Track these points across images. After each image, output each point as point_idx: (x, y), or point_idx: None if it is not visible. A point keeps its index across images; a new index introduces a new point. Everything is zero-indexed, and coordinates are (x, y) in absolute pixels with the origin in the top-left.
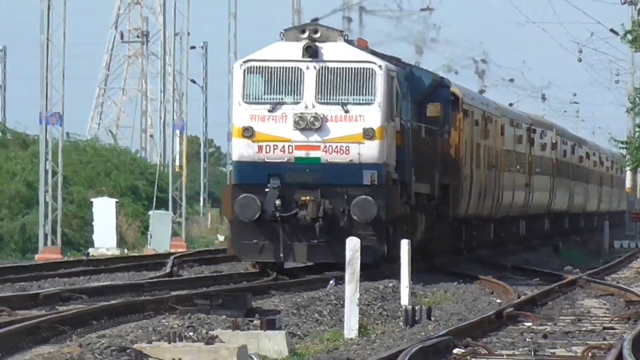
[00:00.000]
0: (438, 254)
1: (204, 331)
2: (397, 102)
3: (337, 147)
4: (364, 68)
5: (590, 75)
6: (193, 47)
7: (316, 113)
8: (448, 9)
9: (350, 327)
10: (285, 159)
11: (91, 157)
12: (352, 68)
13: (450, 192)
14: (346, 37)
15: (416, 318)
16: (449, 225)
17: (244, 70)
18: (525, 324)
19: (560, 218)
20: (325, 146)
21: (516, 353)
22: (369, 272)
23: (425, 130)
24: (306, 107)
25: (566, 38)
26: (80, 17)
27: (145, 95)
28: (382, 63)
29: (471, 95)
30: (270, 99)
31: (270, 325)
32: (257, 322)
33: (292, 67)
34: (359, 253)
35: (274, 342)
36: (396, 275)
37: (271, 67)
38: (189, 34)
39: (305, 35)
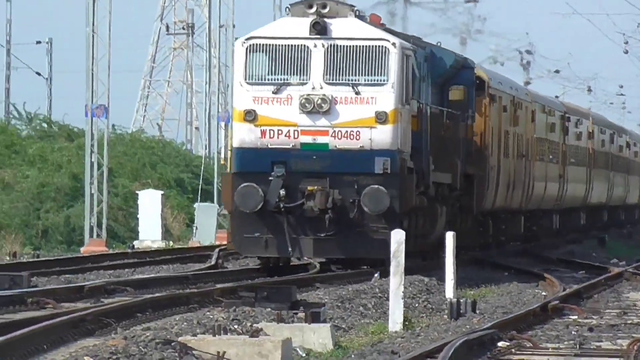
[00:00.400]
0: (463, 249)
1: (248, 324)
2: (413, 83)
3: (346, 132)
4: (376, 46)
5: (636, 66)
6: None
7: (324, 95)
8: (493, 1)
9: (395, 320)
10: (291, 145)
11: (137, 150)
12: (363, 46)
13: (474, 182)
14: (358, 13)
15: (461, 311)
16: (473, 218)
17: (247, 48)
18: (570, 317)
19: (598, 211)
20: (334, 131)
21: (561, 346)
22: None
23: (447, 115)
24: (313, 88)
25: (612, 29)
26: (126, 9)
27: (190, 87)
28: (396, 40)
29: (498, 78)
30: (274, 80)
31: (315, 318)
32: (301, 314)
33: (298, 45)
34: (403, 245)
35: (319, 335)
36: (426, 271)
37: (276, 45)
38: (234, 26)
39: (313, 10)
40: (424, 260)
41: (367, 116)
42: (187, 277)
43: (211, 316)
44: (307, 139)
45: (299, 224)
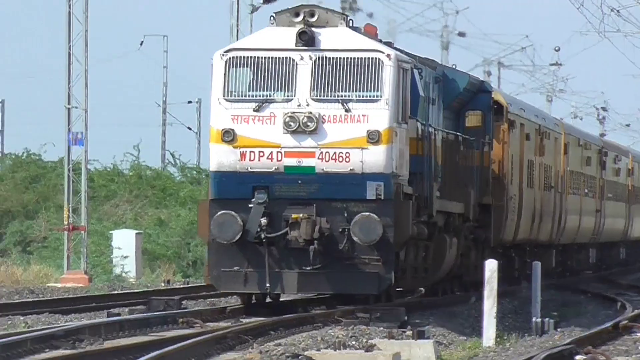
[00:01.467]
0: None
1: (364, 340)
2: (414, 102)
3: (335, 153)
4: (369, 58)
5: None
6: None
7: (310, 112)
8: (574, 64)
9: (489, 336)
10: (273, 168)
11: None
12: (354, 58)
13: (492, 213)
14: (350, 22)
15: (545, 329)
16: (491, 250)
17: (226, 62)
18: (638, 334)
19: (638, 246)
20: (322, 152)
21: (630, 359)
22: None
23: (460, 140)
24: (299, 105)
25: None
26: None
27: None
28: (392, 52)
29: (519, 105)
30: (256, 96)
31: (420, 335)
32: (409, 332)
33: (283, 58)
34: (496, 273)
35: (424, 350)
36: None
37: (258, 58)
38: None
39: (300, 18)
40: (434, 295)
41: (358, 136)
42: (313, 299)
43: (332, 334)
44: (292, 161)
45: (282, 256)
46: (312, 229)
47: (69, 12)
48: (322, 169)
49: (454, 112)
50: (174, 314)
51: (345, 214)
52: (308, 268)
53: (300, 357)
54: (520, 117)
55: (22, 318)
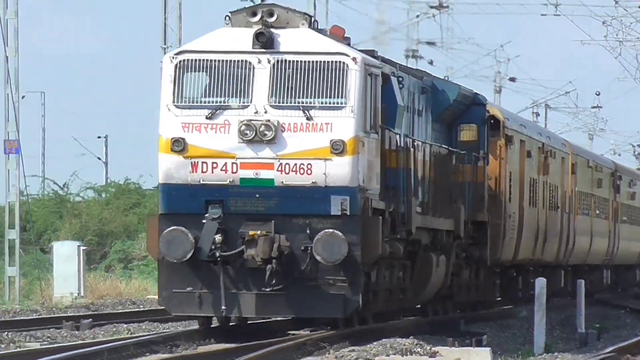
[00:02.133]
0: (479, 304)
1: (428, 347)
2: (391, 110)
3: (296, 165)
4: (333, 61)
5: None
6: None
7: (268, 120)
8: (613, 106)
9: (539, 345)
10: (228, 181)
11: None
12: (317, 62)
13: (488, 231)
14: (314, 23)
15: (588, 339)
16: (487, 270)
17: (176, 65)
18: None
19: None
20: (281, 164)
21: None
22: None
23: (448, 154)
24: (256, 112)
25: None
26: None
27: None
28: (358, 55)
29: (519, 121)
30: (209, 102)
31: (478, 343)
32: (468, 341)
33: (238, 61)
34: (545, 289)
35: (481, 356)
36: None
37: (211, 61)
38: None
39: (257, 18)
40: (424, 316)
41: (320, 146)
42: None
43: (400, 342)
44: (248, 173)
45: (239, 276)
46: (269, 247)
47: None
48: (282, 182)
49: (446, 124)
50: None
51: (308, 231)
52: (268, 289)
53: None
54: (519, 133)
55: (125, 326)
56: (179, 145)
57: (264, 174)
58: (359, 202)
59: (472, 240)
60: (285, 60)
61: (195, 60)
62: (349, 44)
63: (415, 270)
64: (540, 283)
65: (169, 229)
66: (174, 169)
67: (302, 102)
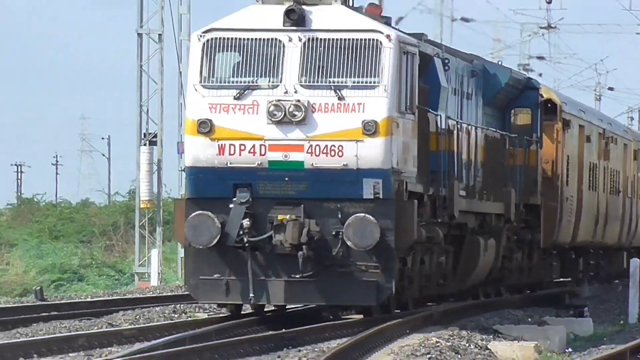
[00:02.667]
0: (536, 285)
1: (536, 317)
2: (434, 92)
3: (326, 146)
4: (366, 39)
5: None
6: None
7: (298, 100)
8: None
9: (633, 315)
10: (256, 164)
11: None
12: (349, 39)
13: (542, 214)
14: (347, 0)
15: None
16: (541, 252)
17: (204, 44)
18: None
19: None
20: (311, 145)
21: None
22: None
23: (498, 138)
24: (286, 92)
25: None
26: None
27: None
28: (392, 32)
29: (578, 106)
30: (237, 82)
31: (580, 314)
32: (571, 312)
33: (268, 39)
34: (638, 269)
35: (583, 325)
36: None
37: (241, 39)
38: None
39: None
40: (474, 298)
41: (352, 127)
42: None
43: (514, 313)
44: (277, 155)
45: (267, 263)
46: (299, 233)
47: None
48: (312, 164)
49: (499, 108)
50: None
51: (339, 216)
52: (297, 276)
53: (488, 330)
54: (578, 117)
55: None
56: (205, 127)
57: (294, 156)
58: (393, 185)
59: (524, 223)
60: (317, 39)
61: (224, 38)
62: (388, 24)
63: (462, 254)
64: (635, 263)
65: (195, 213)
66: (201, 152)
67: (334, 82)
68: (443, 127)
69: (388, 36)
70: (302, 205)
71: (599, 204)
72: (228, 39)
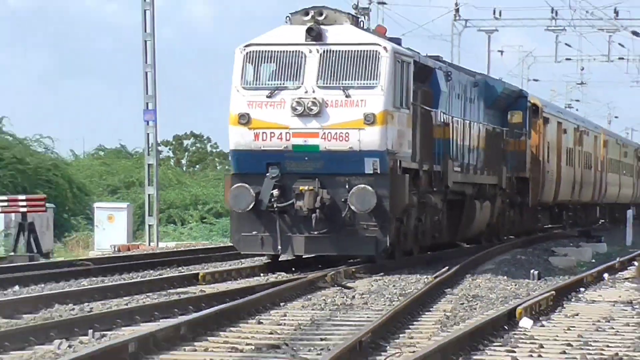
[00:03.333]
0: (527, 232)
1: (575, 243)
2: (435, 95)
3: (336, 133)
4: (368, 50)
5: None
6: None
7: (315, 98)
8: None
9: (628, 240)
10: (283, 147)
11: None
12: (355, 51)
13: (530, 182)
14: (359, 22)
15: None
16: (529, 209)
17: (244, 55)
18: None
19: None
20: (324, 133)
21: None
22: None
23: (494, 131)
24: (306, 92)
25: None
26: None
27: None
28: (389, 45)
29: (557, 109)
30: (269, 85)
31: (599, 241)
32: (595, 240)
33: (293, 51)
34: (632, 215)
35: (601, 247)
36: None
37: (272, 52)
38: None
39: (309, 17)
40: (477, 243)
41: (356, 118)
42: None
43: (563, 241)
44: (299, 141)
45: (292, 223)
46: (314, 200)
47: None
48: (325, 147)
49: (500, 110)
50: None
51: (347, 187)
52: (315, 233)
53: (548, 250)
54: (555, 116)
55: None
56: (244, 119)
57: (311, 141)
58: (388, 163)
59: (517, 190)
60: (331, 50)
61: (259, 51)
62: (398, 43)
63: (463, 213)
64: (629, 212)
65: (235, 185)
66: (241, 138)
67: (343, 84)
68: (440, 121)
69: (385, 48)
70: (318, 179)
71: (575, 175)
72: (263, 51)
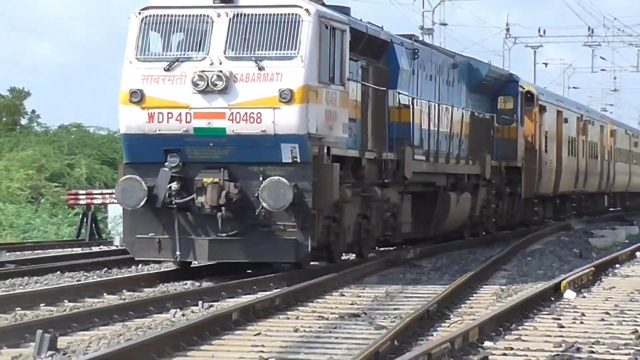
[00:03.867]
0: (520, 224)
1: (611, 226)
2: (393, 73)
3: (246, 114)
4: (286, 14)
5: None
6: None
7: (221, 71)
8: None
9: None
10: (182, 131)
11: None
12: (272, 14)
13: (523, 173)
14: None
15: None
16: (523, 201)
17: (141, 20)
18: None
19: None
20: (232, 113)
21: None
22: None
23: (477, 116)
24: (212, 64)
25: None
26: None
27: None
28: (312, 7)
29: (555, 97)
30: (170, 56)
31: (631, 224)
32: (628, 224)
33: (199, 15)
34: None
35: (633, 230)
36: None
37: (174, 16)
38: None
39: None
40: (460, 238)
41: (270, 95)
42: None
43: (602, 225)
44: (202, 122)
45: (197, 223)
46: (217, 195)
47: None
48: (234, 131)
49: (488, 95)
50: None
51: (261, 179)
52: (224, 235)
53: (588, 232)
54: (554, 105)
55: None
56: (136, 97)
57: (216, 123)
58: (310, 150)
59: (507, 181)
60: (243, 14)
61: (159, 15)
62: (346, 13)
63: (436, 206)
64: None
65: (124, 177)
66: (132, 120)
67: (257, 54)
68: (397, 102)
69: (307, 10)
70: (226, 169)
71: (578, 165)
72: (163, 15)
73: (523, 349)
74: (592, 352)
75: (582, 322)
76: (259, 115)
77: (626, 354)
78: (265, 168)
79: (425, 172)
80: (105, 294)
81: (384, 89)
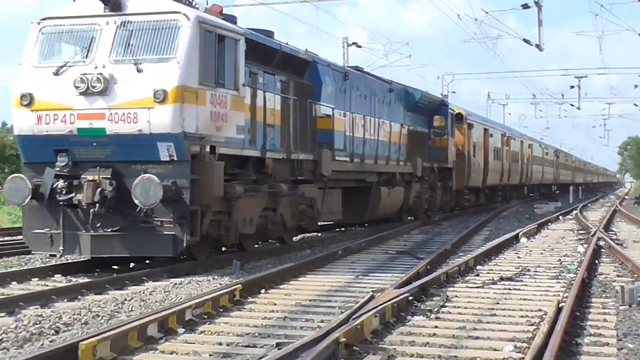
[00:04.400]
0: (444, 210)
1: (545, 206)
2: (317, 89)
3: (124, 114)
4: (167, 20)
5: None
6: None
7: (101, 74)
8: None
9: (570, 200)
10: (67, 131)
11: None
12: (154, 21)
13: (453, 171)
14: None
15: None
16: (455, 192)
17: (39, 30)
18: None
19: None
20: (111, 113)
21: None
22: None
23: (409, 130)
24: (96, 67)
25: None
26: None
27: None
28: (192, 14)
29: (481, 118)
30: (61, 62)
31: (556, 200)
32: (552, 202)
33: (90, 24)
34: (572, 189)
35: (557, 205)
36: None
37: (68, 25)
38: None
39: None
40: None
41: (145, 96)
42: None
43: (535, 204)
44: (84, 123)
45: (84, 219)
46: (92, 192)
47: None
48: (113, 131)
49: (425, 115)
50: None
51: None
52: (108, 230)
53: (531, 207)
54: (480, 123)
55: None
56: (26, 100)
57: (97, 124)
58: (187, 148)
59: (441, 177)
60: (129, 21)
61: (55, 25)
62: (232, 21)
63: (369, 198)
64: (571, 187)
65: (11, 176)
66: (24, 122)
67: (137, 57)
68: (321, 113)
69: (186, 16)
70: (113, 168)
71: (503, 166)
72: (59, 25)
73: (497, 270)
74: (536, 271)
75: (530, 255)
76: (135, 115)
77: (554, 272)
78: (147, 166)
79: (352, 170)
80: None
81: (310, 100)
